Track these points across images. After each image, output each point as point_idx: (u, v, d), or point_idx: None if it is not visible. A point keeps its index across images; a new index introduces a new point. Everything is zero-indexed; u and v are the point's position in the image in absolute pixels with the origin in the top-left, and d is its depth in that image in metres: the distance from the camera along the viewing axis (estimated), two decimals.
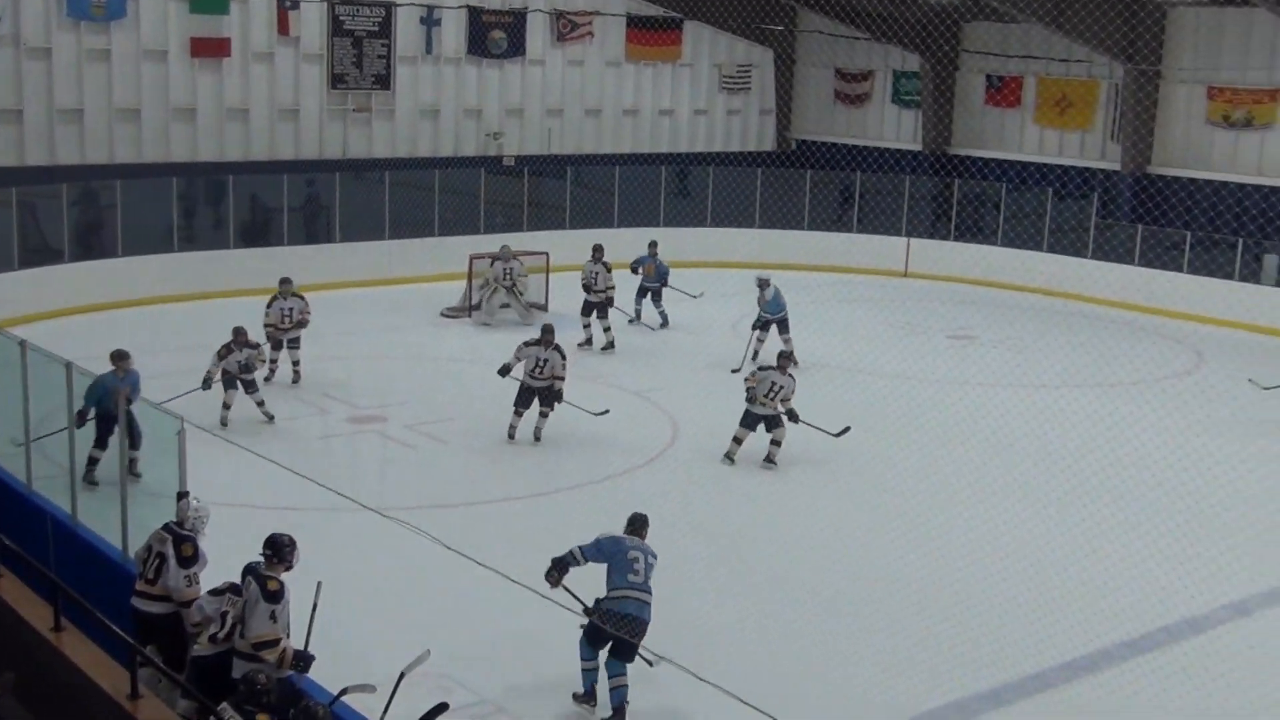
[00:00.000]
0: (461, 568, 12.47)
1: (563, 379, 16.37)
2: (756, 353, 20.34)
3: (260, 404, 16.76)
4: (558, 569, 10.01)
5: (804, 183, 31.30)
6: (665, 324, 23.02)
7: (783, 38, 35.11)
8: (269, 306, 18.61)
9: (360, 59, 28.48)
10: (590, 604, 9.87)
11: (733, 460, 15.83)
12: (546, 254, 24.44)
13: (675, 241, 27.27)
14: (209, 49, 26.65)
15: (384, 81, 28.94)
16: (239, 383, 16.49)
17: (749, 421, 15.77)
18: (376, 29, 28.54)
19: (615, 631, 9.65)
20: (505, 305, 23.30)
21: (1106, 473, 15.78)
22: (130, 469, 11.58)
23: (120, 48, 25.69)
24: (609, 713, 9.67)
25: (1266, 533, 13.82)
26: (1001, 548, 13.34)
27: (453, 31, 29.88)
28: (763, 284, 20.76)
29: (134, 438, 12.26)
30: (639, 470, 15.57)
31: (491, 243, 25.25)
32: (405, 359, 20.73)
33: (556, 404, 16.43)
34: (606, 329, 21.54)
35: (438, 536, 13.07)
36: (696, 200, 30.37)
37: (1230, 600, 12.29)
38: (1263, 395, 18.94)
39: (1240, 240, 26.41)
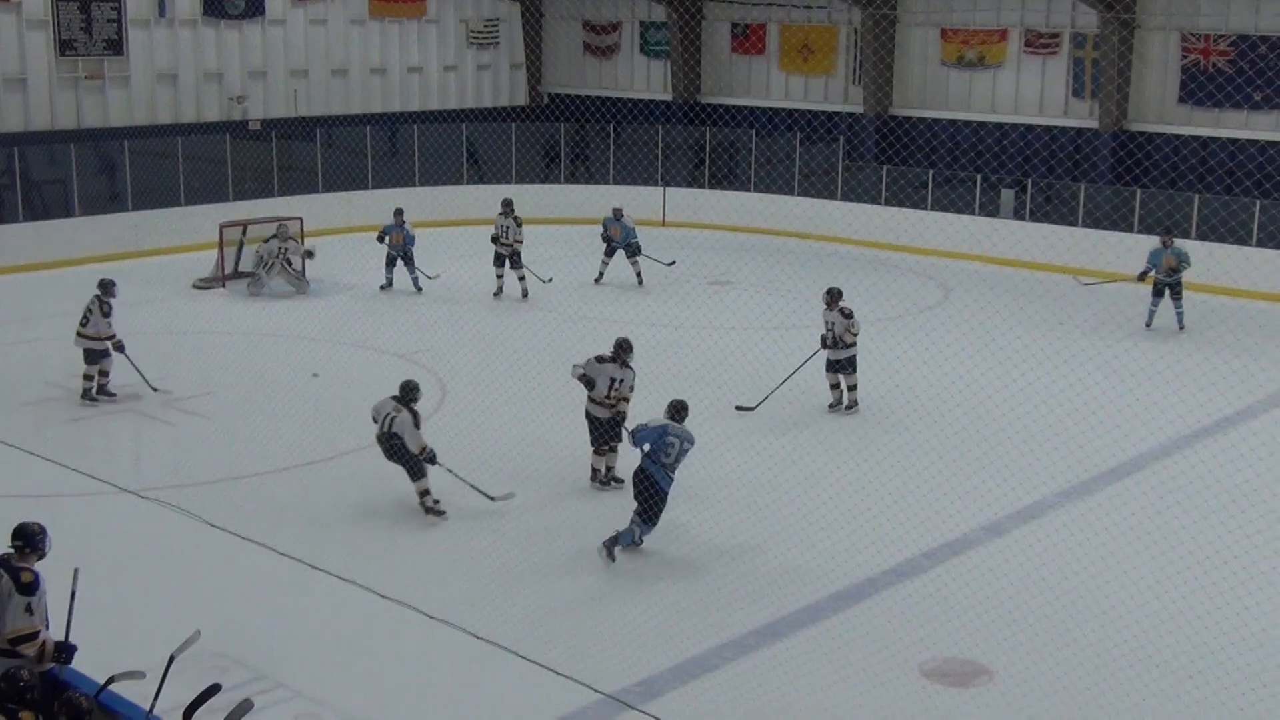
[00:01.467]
0: (226, 544, 12.18)
1: (628, 400, 13.70)
2: (602, 274, 23.33)
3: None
4: (632, 438, 12.13)
5: (559, 136, 31.34)
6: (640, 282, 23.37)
7: None
8: (106, 316, 16.07)
9: (89, 24, 27.24)
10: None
11: (839, 406, 16.58)
12: (300, 219, 23.89)
13: (433, 200, 27.02)
14: None
15: (116, 47, 27.75)
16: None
17: (831, 367, 16.59)
18: None
19: (637, 488, 11.92)
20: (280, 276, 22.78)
21: (866, 406, 16.35)
22: None
23: None
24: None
25: (1012, 453, 14.47)
26: (764, 484, 13.69)
27: None
28: (618, 214, 23.04)
29: None
30: None
31: (240, 210, 24.74)
32: (157, 334, 19.96)
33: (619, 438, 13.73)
34: (521, 278, 22.35)
35: (199, 514, 12.73)
36: (452, 158, 30.06)
37: (985, 521, 12.86)
38: (1009, 322, 19.82)
39: (978, 176, 27.53)
